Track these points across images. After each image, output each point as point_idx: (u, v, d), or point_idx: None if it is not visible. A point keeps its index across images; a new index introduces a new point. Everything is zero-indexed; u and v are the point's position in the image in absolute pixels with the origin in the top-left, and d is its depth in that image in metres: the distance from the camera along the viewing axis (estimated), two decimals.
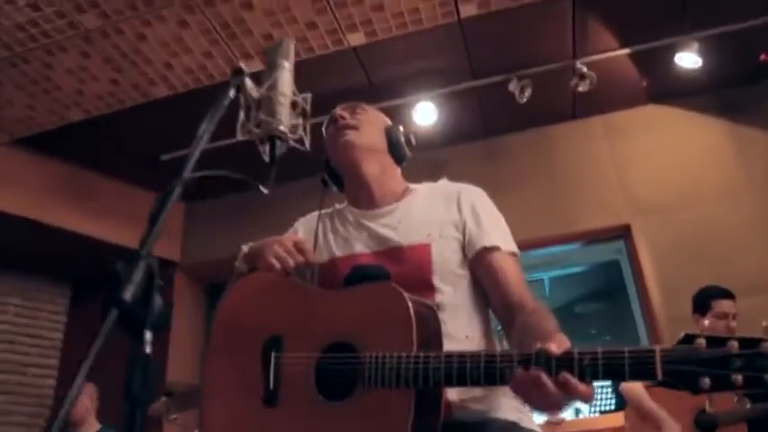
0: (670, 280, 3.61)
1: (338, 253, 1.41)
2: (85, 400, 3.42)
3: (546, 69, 3.55)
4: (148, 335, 0.74)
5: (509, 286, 1.30)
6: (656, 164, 3.89)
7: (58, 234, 4.01)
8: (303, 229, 1.52)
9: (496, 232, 1.37)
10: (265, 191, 1.01)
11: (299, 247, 1.29)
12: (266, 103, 1.11)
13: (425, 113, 3.81)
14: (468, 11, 3.06)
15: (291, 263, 1.26)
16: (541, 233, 3.89)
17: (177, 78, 3.32)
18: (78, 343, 4.40)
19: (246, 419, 1.14)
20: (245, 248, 1.42)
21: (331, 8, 2.96)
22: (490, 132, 4.20)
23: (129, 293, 0.73)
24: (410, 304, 1.07)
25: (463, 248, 1.37)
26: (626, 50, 3.48)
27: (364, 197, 1.47)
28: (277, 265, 1.26)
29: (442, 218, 1.40)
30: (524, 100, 3.58)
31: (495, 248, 1.33)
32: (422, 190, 1.51)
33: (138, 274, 0.75)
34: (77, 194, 4.12)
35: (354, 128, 1.45)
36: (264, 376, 1.15)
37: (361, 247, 1.40)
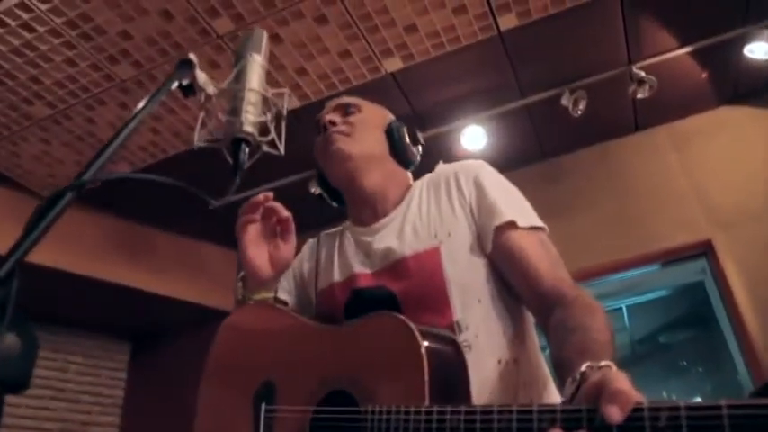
0: (762, 297, 3.20)
1: (337, 278, 1.22)
2: None
3: (600, 78, 3.29)
4: None
5: (537, 273, 1.03)
6: (735, 171, 3.52)
7: (116, 290, 4.00)
8: (308, 254, 1.35)
9: (509, 207, 1.10)
10: (214, 203, 0.83)
11: (254, 200, 1.18)
12: (228, 101, 0.94)
13: (474, 138, 3.61)
14: (507, 22, 2.87)
15: (252, 203, 1.16)
16: (613, 257, 3.56)
17: (207, 133, 3.28)
18: (139, 400, 4.35)
19: None
20: (242, 273, 1.24)
21: (362, 34, 2.85)
22: (546, 153, 3.94)
23: None
24: (421, 340, 0.85)
25: (479, 240, 1.10)
26: (687, 49, 3.18)
27: (366, 213, 1.26)
28: (243, 221, 1.18)
29: (447, 211, 1.15)
30: (579, 113, 3.33)
31: (509, 226, 1.07)
32: (419, 184, 1.27)
33: None
34: (133, 249, 4.12)
35: (346, 134, 1.24)
36: None
37: (359, 267, 1.19)
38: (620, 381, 0.66)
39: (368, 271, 1.18)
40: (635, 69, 3.23)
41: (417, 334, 0.86)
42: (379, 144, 1.28)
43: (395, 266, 1.13)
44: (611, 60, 3.24)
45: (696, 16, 3.03)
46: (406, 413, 0.80)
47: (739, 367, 3.51)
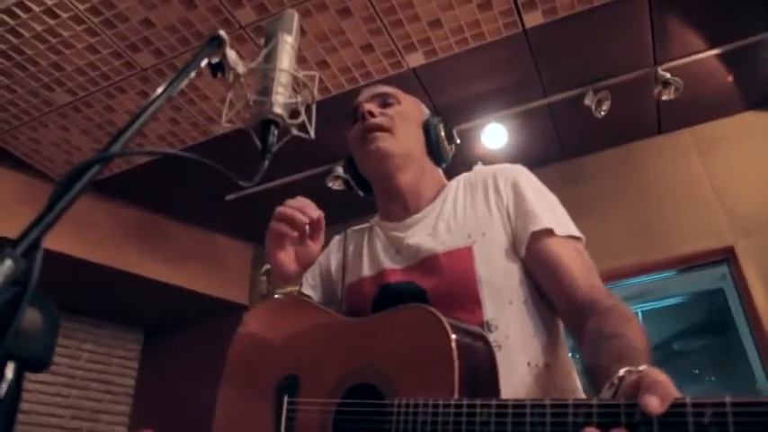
0: None
1: (366, 273, 1.19)
2: None
3: (624, 79, 3.24)
4: (10, 369, 0.49)
5: (573, 281, 1.00)
6: (760, 177, 3.44)
7: (129, 279, 4.00)
8: (335, 249, 1.32)
9: (548, 213, 1.09)
10: (245, 185, 0.80)
11: (293, 204, 1.12)
12: (258, 81, 0.91)
13: (495, 136, 3.57)
14: (533, 20, 2.83)
15: (289, 212, 1.10)
16: (632, 260, 3.50)
17: (236, 114, 3.25)
18: (149, 389, 4.35)
19: None
20: (268, 266, 1.21)
21: (386, 28, 2.81)
22: (567, 153, 3.89)
23: None
24: (451, 333, 0.82)
25: (513, 243, 1.08)
26: (714, 51, 3.11)
27: (398, 209, 1.24)
28: (278, 228, 1.09)
29: (482, 211, 1.13)
30: (602, 114, 3.28)
31: (547, 233, 1.05)
32: (455, 184, 1.25)
33: None
34: (148, 238, 4.12)
35: (388, 130, 1.20)
36: (275, 426, 0.94)
37: (389, 263, 1.17)
38: (660, 374, 0.64)
39: (398, 267, 1.15)
40: (660, 71, 3.17)
41: (448, 327, 0.84)
42: (417, 141, 1.25)
43: (426, 263, 1.11)
44: (637, 61, 3.18)
45: (724, 19, 2.97)
46: (435, 406, 0.77)
47: (758, 374, 3.45)
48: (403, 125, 1.23)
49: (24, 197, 3.52)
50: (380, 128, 1.20)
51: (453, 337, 0.82)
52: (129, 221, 4.05)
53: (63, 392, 4.14)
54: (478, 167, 1.27)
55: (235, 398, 1.04)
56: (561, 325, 1.11)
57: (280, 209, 1.14)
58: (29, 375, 0.47)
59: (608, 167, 3.84)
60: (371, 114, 1.22)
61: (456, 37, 2.89)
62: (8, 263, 0.48)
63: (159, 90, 0.72)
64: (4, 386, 0.47)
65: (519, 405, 0.70)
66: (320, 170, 3.74)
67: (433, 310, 0.87)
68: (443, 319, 0.85)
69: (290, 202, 1.15)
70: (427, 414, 0.78)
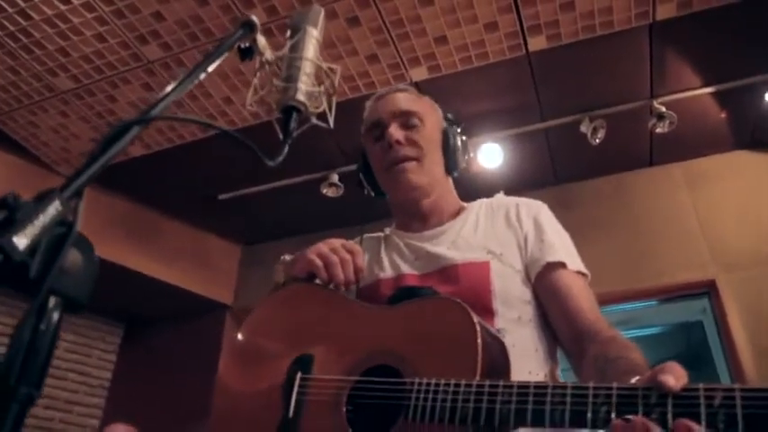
0: (763, 342, 3.20)
1: (383, 275, 1.23)
2: None
3: (621, 109, 3.32)
4: (52, 301, 0.52)
5: (579, 311, 1.08)
6: (746, 214, 3.53)
7: (115, 271, 3.96)
8: None
9: (563, 248, 1.17)
10: (271, 163, 0.82)
11: (348, 248, 1.10)
12: (284, 68, 0.94)
13: (491, 155, 3.63)
14: (537, 44, 2.89)
15: (335, 259, 1.07)
16: (615, 288, 3.55)
17: (236, 113, 3.28)
18: (126, 383, 4.31)
19: None
20: (288, 257, 1.23)
21: (392, 40, 2.86)
22: (560, 178, 3.96)
23: (23, 237, 0.48)
24: (477, 326, 0.86)
25: (526, 268, 1.16)
26: (709, 89, 3.20)
27: (417, 223, 1.30)
28: (318, 262, 1.07)
29: (502, 234, 1.21)
30: (597, 141, 3.35)
31: (560, 265, 1.13)
32: (477, 206, 1.32)
33: (44, 217, 0.51)
34: (137, 232, 4.10)
35: (414, 158, 1.23)
36: (285, 401, 0.95)
37: (408, 268, 1.21)
38: (673, 363, 0.69)
39: (416, 273, 1.19)
40: (656, 104, 3.25)
41: (475, 320, 0.87)
42: (439, 162, 1.29)
43: (444, 271, 1.16)
44: (634, 92, 3.26)
45: (721, 58, 3.06)
46: (457, 385, 0.80)
47: None
48: (429, 152, 1.26)
49: (19, 181, 3.51)
50: (409, 158, 1.24)
51: (479, 329, 0.86)
52: (120, 213, 4.03)
53: None
54: (501, 195, 1.35)
55: (242, 375, 1.05)
56: (558, 349, 1.17)
57: (328, 249, 1.11)
58: None
59: (598, 195, 3.91)
60: (399, 143, 1.24)
61: (460, 55, 2.95)
62: (56, 204, 0.52)
63: (194, 66, 0.75)
64: (50, 319, 0.49)
65: (541, 386, 0.74)
66: (316, 176, 3.76)
67: (459, 301, 0.90)
68: (472, 312, 0.88)
69: (344, 247, 1.13)
70: (448, 392, 0.80)
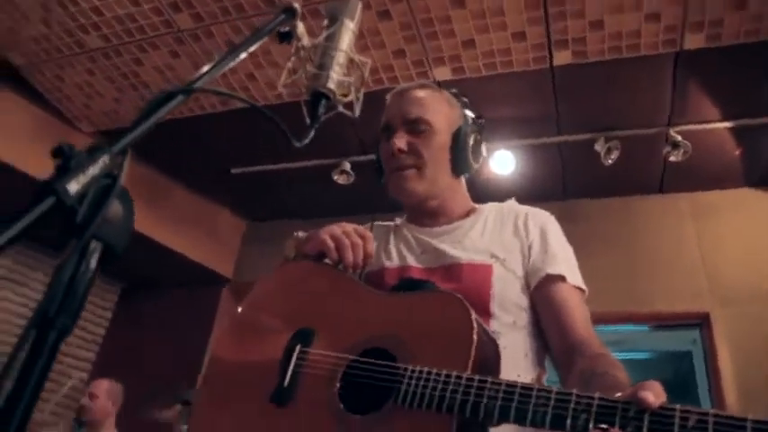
0: (749, 380, 3.23)
1: (389, 264, 1.27)
2: (104, 401, 3.28)
3: (637, 133, 3.34)
4: (93, 245, 0.56)
5: (573, 324, 1.11)
6: (748, 252, 3.56)
7: None
8: None
9: (565, 262, 1.19)
10: (297, 144, 0.87)
11: (360, 233, 1.14)
12: (318, 55, 0.98)
13: (504, 162, 3.66)
14: (562, 58, 2.92)
15: (347, 242, 1.10)
16: (609, 308, 3.58)
17: (258, 90, 3.32)
18: (118, 341, 4.37)
19: (245, 415, 0.98)
20: (301, 234, 1.26)
21: (421, 37, 2.90)
22: (569, 193, 3.98)
23: (74, 184, 0.53)
24: (474, 322, 0.89)
25: (527, 276, 1.19)
26: (728, 123, 3.23)
27: (427, 219, 1.33)
28: (330, 242, 1.10)
29: (508, 240, 1.24)
30: (610, 162, 3.38)
31: (560, 278, 1.16)
32: (488, 209, 1.35)
33: (94, 168, 0.56)
34: (147, 195, 4.15)
35: (416, 167, 1.26)
36: (281, 370, 0.99)
37: (413, 261, 1.25)
38: (654, 381, 0.73)
39: (421, 266, 1.23)
40: (673, 132, 3.28)
41: (473, 318, 0.91)
42: (446, 169, 1.30)
43: (449, 268, 1.19)
44: (652, 118, 3.28)
45: (743, 95, 3.08)
46: (447, 376, 0.84)
47: None
48: (432, 159, 1.27)
49: (35, 131, 3.56)
50: (408, 166, 1.26)
51: (476, 327, 0.89)
52: (132, 175, 4.04)
53: None
54: (513, 202, 1.36)
55: (241, 343, 1.09)
56: (547, 358, 1.21)
57: (341, 231, 1.14)
58: None
59: (605, 215, 3.94)
60: (401, 152, 1.26)
61: (486, 60, 2.98)
62: (105, 158, 0.58)
63: (238, 45, 0.79)
64: (89, 262, 0.54)
65: (527, 387, 0.79)
66: (329, 162, 3.81)
67: (463, 299, 0.94)
68: (472, 310, 0.92)
69: (356, 231, 1.16)
70: (438, 382, 0.84)
